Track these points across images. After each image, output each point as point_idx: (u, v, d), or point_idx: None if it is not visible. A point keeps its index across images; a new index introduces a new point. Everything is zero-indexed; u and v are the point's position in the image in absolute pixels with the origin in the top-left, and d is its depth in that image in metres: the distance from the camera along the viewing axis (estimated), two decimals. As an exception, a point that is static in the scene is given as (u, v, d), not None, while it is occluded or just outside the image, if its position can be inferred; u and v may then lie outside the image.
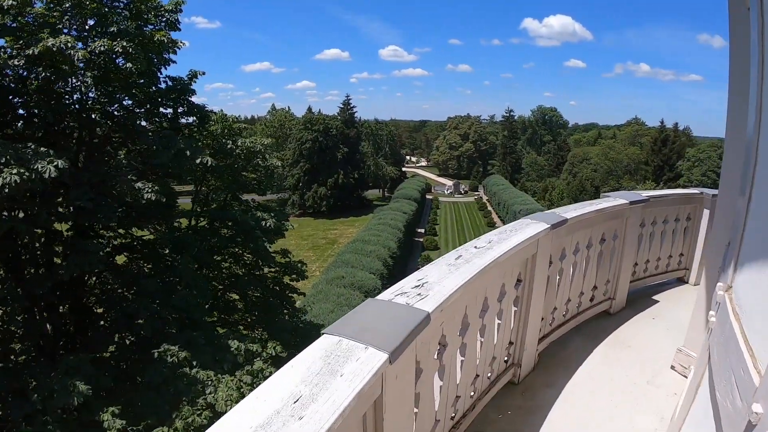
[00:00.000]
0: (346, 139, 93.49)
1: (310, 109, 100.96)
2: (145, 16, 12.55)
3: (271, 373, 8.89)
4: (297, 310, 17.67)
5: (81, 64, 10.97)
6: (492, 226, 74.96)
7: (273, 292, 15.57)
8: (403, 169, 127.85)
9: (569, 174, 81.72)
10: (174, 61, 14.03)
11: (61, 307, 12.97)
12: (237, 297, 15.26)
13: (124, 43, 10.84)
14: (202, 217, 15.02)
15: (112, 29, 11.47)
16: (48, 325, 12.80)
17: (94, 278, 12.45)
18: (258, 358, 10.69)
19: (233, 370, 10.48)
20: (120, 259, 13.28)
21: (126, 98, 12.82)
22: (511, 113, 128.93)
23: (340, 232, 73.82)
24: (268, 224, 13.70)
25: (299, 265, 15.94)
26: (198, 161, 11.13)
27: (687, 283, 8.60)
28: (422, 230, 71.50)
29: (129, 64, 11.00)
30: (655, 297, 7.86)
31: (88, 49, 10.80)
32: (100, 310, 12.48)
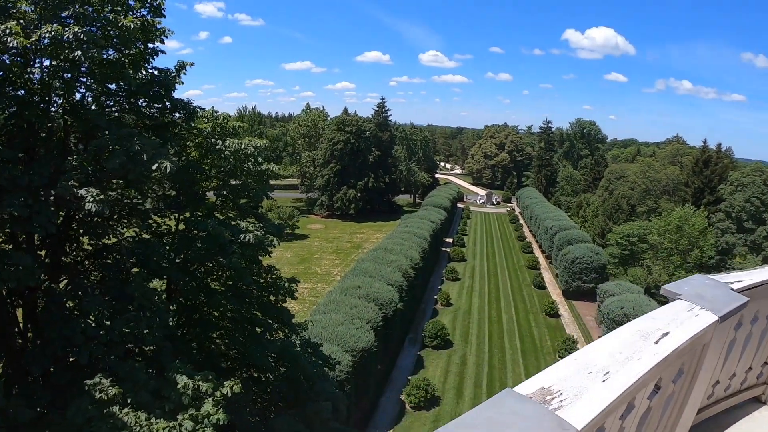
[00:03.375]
0: (379, 142, 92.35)
1: (346, 110, 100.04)
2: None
3: (219, 420, 7.26)
4: (295, 327, 16.18)
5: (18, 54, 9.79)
6: (522, 240, 72.71)
7: (261, 308, 14.10)
8: (436, 175, 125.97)
9: (605, 190, 78.54)
10: (163, 51, 12.71)
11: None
12: (217, 314, 13.84)
13: (76, 29, 9.52)
14: (188, 222, 13.66)
15: (65, 13, 10.20)
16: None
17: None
18: (209, 399, 9.19)
19: (176, 412, 9.04)
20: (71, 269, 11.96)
21: (85, 91, 11.55)
22: (549, 125, 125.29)
23: (366, 237, 72.55)
24: (247, 238, 12.20)
25: (287, 284, 14.36)
26: (155, 167, 9.72)
27: (764, 404, 5.64)
28: (450, 240, 69.56)
29: (78, 52, 9.65)
30: None
31: (34, 37, 9.52)
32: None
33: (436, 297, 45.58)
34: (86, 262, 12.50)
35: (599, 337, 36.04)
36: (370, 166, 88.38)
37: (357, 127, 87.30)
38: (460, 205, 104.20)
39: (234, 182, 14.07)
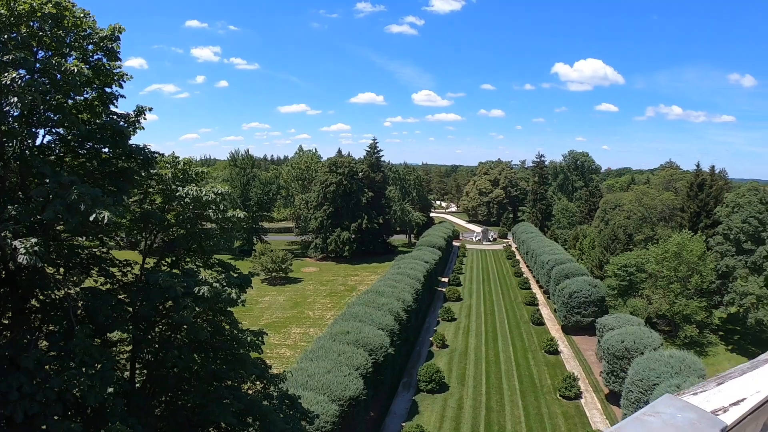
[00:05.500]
0: (372, 182, 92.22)
1: (339, 151, 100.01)
2: (62, 41, 10.88)
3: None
4: (272, 378, 15.34)
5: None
6: (519, 276, 71.83)
7: (226, 362, 13.27)
8: (431, 214, 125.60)
9: (601, 221, 78.03)
10: (122, 96, 12.41)
11: None
12: (176, 370, 12.98)
13: (14, 75, 9.14)
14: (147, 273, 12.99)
15: (7, 58, 9.81)
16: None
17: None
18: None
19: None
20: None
21: (32, 136, 11.11)
22: (542, 158, 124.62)
23: (361, 279, 71.69)
24: (201, 292, 11.53)
25: (250, 338, 13.48)
26: (92, 218, 9.15)
27: None
28: (446, 279, 68.71)
29: (14, 98, 9.19)
30: None
31: None
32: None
33: (431, 339, 44.46)
34: (36, 315, 11.86)
35: (600, 372, 34.08)
36: (363, 207, 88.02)
37: (349, 169, 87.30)
38: (455, 244, 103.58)
39: (201, 228, 13.51)
